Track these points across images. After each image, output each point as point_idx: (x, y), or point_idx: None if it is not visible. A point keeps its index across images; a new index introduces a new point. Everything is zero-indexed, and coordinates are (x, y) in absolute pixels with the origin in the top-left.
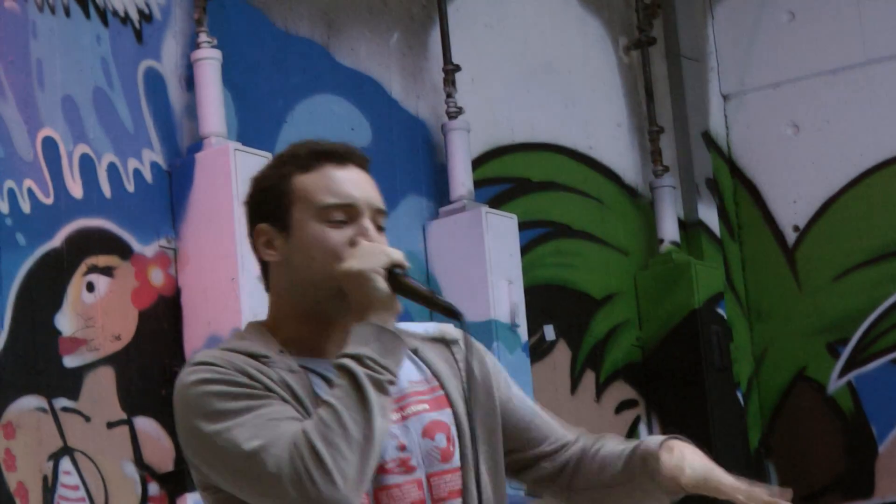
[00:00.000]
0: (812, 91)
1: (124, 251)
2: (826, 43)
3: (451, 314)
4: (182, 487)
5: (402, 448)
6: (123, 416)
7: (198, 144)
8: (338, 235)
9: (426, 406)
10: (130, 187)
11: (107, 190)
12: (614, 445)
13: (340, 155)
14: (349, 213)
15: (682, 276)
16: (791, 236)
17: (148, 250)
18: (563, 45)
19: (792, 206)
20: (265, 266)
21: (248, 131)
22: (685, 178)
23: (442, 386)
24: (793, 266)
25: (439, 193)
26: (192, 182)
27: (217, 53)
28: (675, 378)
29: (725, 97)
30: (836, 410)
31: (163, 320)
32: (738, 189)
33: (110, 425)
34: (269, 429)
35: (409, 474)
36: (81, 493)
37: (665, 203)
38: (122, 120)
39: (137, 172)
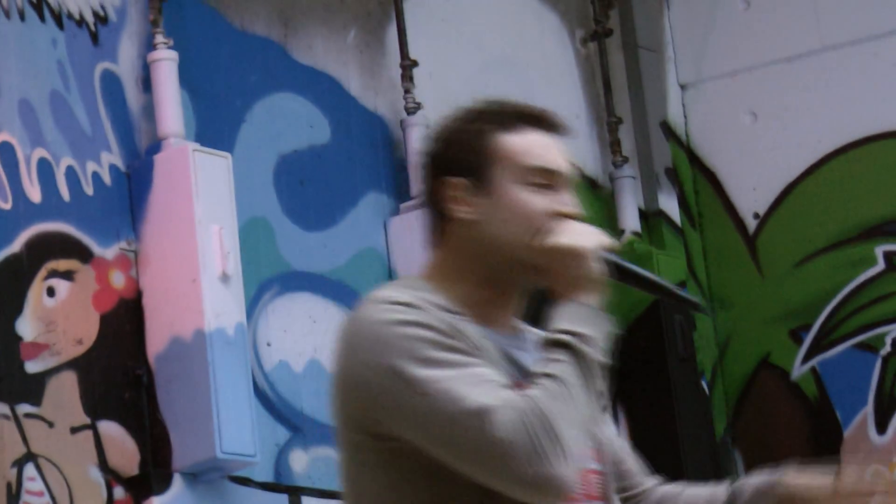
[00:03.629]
0: (769, 79)
1: (84, 254)
2: (782, 31)
3: (685, 302)
4: (148, 490)
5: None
6: (87, 420)
7: (156, 146)
8: (540, 201)
9: None
10: (89, 190)
11: (65, 193)
12: (698, 490)
13: (543, 120)
14: (551, 179)
15: (644, 266)
16: (752, 224)
17: (108, 253)
18: (520, 37)
19: (752, 194)
20: (441, 219)
21: (207, 131)
22: (644, 168)
23: None
24: (754, 253)
25: (400, 189)
26: (151, 183)
27: (173, 54)
28: (640, 369)
29: (683, 87)
30: (800, 396)
31: (124, 323)
32: (697, 178)
33: (74, 430)
34: (490, 389)
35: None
36: (46, 498)
37: (625, 193)
38: (79, 122)
39: (96, 175)
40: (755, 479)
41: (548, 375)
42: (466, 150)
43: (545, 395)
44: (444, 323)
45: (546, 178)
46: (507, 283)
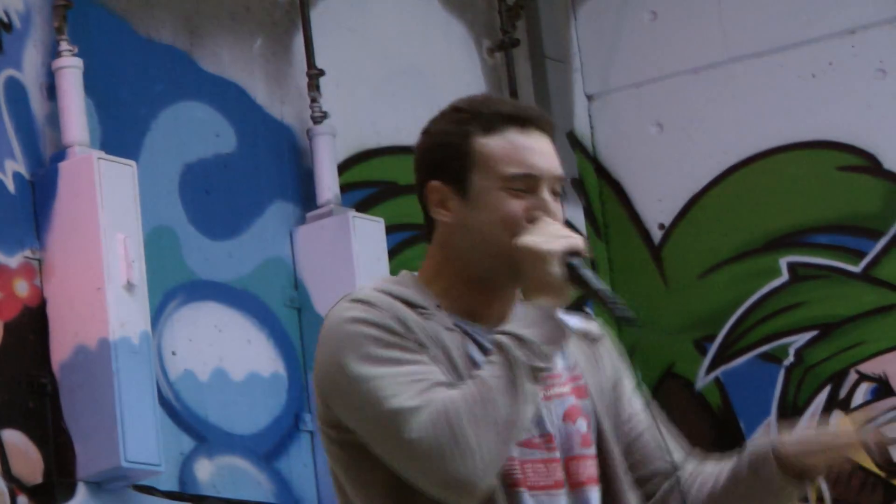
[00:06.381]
0: (675, 90)
1: None
2: (688, 42)
3: (623, 319)
4: (51, 499)
5: (545, 426)
6: None
7: (61, 154)
8: (517, 205)
9: (568, 390)
10: None
11: None
12: (711, 468)
13: (525, 119)
14: (530, 183)
15: None
16: (657, 234)
17: (12, 261)
18: (427, 47)
19: (657, 205)
20: (431, 220)
21: (112, 140)
22: None
23: (583, 377)
24: (659, 264)
25: (306, 199)
26: (55, 192)
27: (78, 62)
28: None
29: (589, 97)
30: (704, 407)
31: (28, 332)
32: (603, 189)
33: None
34: (419, 389)
35: (551, 453)
36: None
37: None
38: None
39: None
40: (753, 446)
41: (473, 378)
42: (446, 154)
43: (461, 398)
44: (395, 320)
45: (525, 183)
46: (490, 281)
